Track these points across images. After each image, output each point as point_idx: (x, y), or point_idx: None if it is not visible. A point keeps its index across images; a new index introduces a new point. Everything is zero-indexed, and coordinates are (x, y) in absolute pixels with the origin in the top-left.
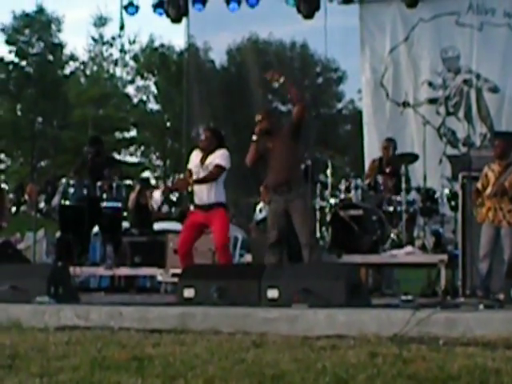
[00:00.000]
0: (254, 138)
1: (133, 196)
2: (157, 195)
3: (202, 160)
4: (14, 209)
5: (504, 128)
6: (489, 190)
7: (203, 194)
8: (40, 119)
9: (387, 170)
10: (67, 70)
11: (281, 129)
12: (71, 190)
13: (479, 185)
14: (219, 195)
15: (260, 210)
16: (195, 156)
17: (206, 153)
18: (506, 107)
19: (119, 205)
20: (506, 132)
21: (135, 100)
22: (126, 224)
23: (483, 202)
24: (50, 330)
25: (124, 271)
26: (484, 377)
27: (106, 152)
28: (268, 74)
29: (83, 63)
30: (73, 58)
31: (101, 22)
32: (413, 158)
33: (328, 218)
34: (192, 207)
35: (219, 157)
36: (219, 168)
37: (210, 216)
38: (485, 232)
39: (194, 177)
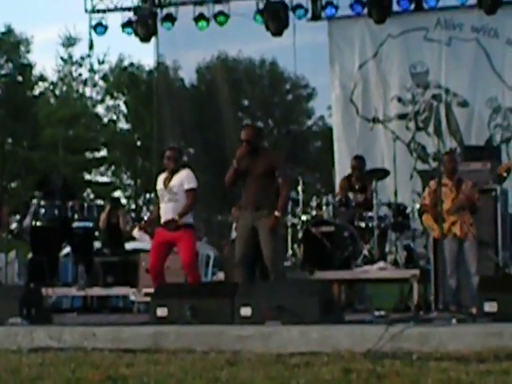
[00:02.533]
0: (235, 164)
1: (103, 216)
2: (136, 233)
3: (166, 182)
4: None
5: (474, 142)
6: (448, 206)
7: (169, 215)
8: (10, 140)
9: (357, 187)
10: (36, 91)
11: (262, 152)
12: (42, 211)
13: (427, 200)
14: (186, 217)
15: (236, 229)
16: (160, 180)
17: (170, 174)
18: (475, 121)
19: (90, 225)
20: (476, 146)
21: (105, 119)
22: (97, 244)
23: (443, 218)
24: (23, 351)
25: (96, 291)
26: None
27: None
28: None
29: (52, 83)
30: (42, 78)
31: (69, 42)
32: (383, 173)
33: (300, 234)
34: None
35: (187, 180)
36: (193, 191)
37: (177, 235)
38: (449, 247)
39: (162, 203)
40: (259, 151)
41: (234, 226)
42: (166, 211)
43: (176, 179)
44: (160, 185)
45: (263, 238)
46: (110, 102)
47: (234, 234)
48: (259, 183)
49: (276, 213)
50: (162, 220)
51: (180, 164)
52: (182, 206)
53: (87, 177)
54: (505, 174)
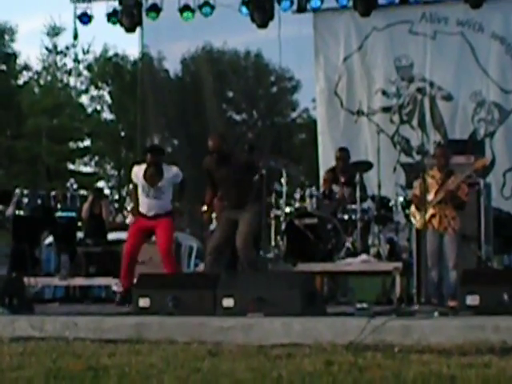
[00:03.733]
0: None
1: (86, 206)
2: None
3: (152, 179)
4: None
5: (457, 136)
6: (431, 197)
7: (150, 205)
8: None
9: (342, 179)
10: (21, 80)
11: (232, 157)
12: (25, 200)
13: (417, 191)
14: (166, 205)
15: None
16: (138, 170)
17: (156, 171)
18: (459, 115)
19: (73, 214)
20: (460, 140)
21: (89, 110)
22: (80, 234)
23: (425, 209)
24: (5, 341)
25: (79, 281)
26: (439, 383)
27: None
28: None
29: (37, 73)
30: (26, 67)
31: (54, 31)
32: (367, 166)
33: (283, 226)
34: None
35: (175, 175)
36: (183, 183)
37: (156, 223)
38: (429, 240)
39: (144, 195)
40: (228, 157)
41: (215, 216)
42: (150, 207)
43: (165, 179)
44: (141, 179)
45: (240, 228)
46: (94, 92)
47: (214, 226)
48: (239, 186)
49: None
50: (143, 211)
51: (162, 162)
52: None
53: (71, 167)
54: (479, 170)
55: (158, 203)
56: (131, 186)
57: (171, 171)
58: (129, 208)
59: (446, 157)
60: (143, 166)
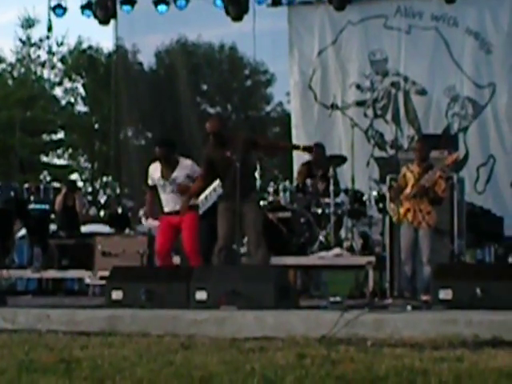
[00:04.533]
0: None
1: (59, 198)
2: (147, 223)
3: (165, 174)
4: None
5: (431, 130)
6: (408, 191)
7: (169, 200)
8: None
9: (318, 174)
10: None
11: (231, 141)
12: None
13: (396, 185)
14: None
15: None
16: (154, 170)
17: (168, 165)
18: (433, 110)
19: (47, 207)
20: (433, 134)
21: (63, 102)
22: (53, 226)
23: (401, 203)
24: None
25: (52, 274)
26: (411, 377)
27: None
28: None
29: (10, 65)
30: (0, 59)
31: (28, 23)
32: (341, 160)
33: None
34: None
35: (195, 169)
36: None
37: (180, 220)
38: (404, 234)
39: (162, 192)
40: (227, 140)
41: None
42: (169, 201)
43: (179, 171)
44: (158, 176)
45: (248, 221)
46: (68, 84)
47: None
48: (242, 167)
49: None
50: (166, 209)
51: (174, 155)
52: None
53: (44, 159)
54: (451, 166)
55: (175, 198)
56: (144, 188)
57: (184, 163)
58: (141, 212)
59: (424, 150)
60: (157, 164)
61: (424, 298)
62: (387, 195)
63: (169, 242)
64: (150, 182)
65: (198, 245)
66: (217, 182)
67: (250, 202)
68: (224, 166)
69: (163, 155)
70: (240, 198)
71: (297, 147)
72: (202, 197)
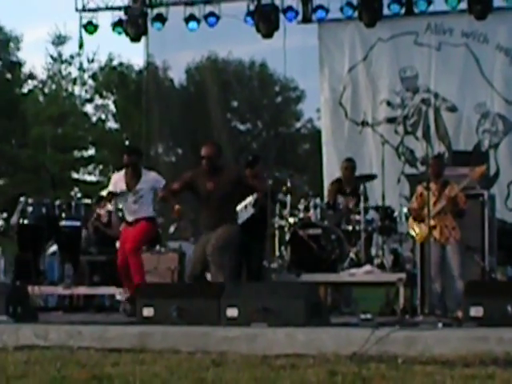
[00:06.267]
0: (186, 178)
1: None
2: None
3: (130, 185)
4: None
5: (462, 147)
6: (432, 208)
7: (129, 210)
8: None
9: (347, 190)
10: (25, 89)
11: (222, 171)
12: (30, 209)
13: (414, 204)
14: (146, 210)
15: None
16: (118, 179)
17: (133, 176)
18: (463, 126)
19: (78, 223)
20: (464, 151)
21: (94, 119)
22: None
23: (424, 222)
24: (9, 349)
25: (82, 290)
26: None
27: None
28: None
29: (42, 82)
30: (31, 76)
31: (59, 40)
32: (371, 177)
33: (287, 237)
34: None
35: (158, 180)
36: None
37: (136, 227)
38: (432, 252)
39: (123, 201)
40: (219, 170)
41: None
42: (130, 212)
43: (144, 183)
44: (122, 185)
45: (212, 237)
46: (98, 101)
47: None
48: (221, 203)
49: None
50: (127, 220)
51: (140, 166)
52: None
53: (75, 175)
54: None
55: (136, 208)
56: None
57: (150, 175)
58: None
59: (439, 167)
60: (122, 173)
61: (459, 313)
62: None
63: (126, 256)
64: (111, 188)
65: (139, 249)
66: (249, 199)
67: (220, 228)
68: (204, 196)
69: (132, 163)
70: (212, 229)
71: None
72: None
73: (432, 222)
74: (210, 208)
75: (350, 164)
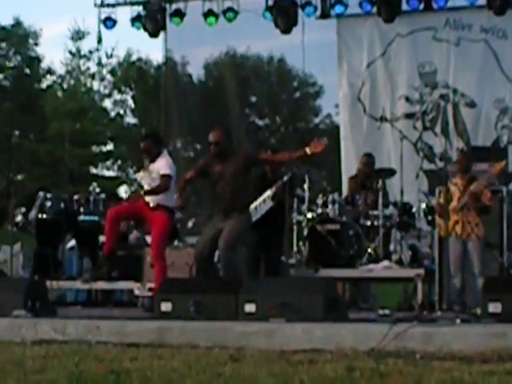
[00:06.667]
0: (201, 163)
1: None
2: None
3: (145, 167)
4: None
5: (480, 143)
6: (454, 204)
7: (154, 199)
8: (17, 133)
9: (366, 185)
10: (44, 84)
11: (232, 154)
12: (48, 204)
13: (442, 200)
14: (164, 199)
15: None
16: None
17: (149, 159)
18: (482, 122)
19: (96, 218)
20: (483, 147)
21: (112, 114)
22: (102, 238)
23: (448, 216)
24: (27, 343)
25: (101, 285)
26: None
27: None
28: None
29: (60, 77)
30: (50, 71)
31: (78, 35)
32: (390, 172)
33: (305, 232)
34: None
35: (162, 166)
36: (166, 177)
37: (152, 216)
38: (453, 247)
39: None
40: (229, 154)
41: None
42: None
43: (155, 165)
44: (141, 172)
45: (224, 231)
46: (117, 96)
47: None
48: (232, 187)
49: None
50: (146, 199)
51: (156, 151)
52: (170, 190)
53: (93, 171)
54: (498, 175)
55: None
56: None
57: (162, 160)
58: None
59: (467, 162)
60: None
61: (478, 310)
62: (436, 208)
63: (125, 212)
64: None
65: (163, 247)
66: (268, 193)
67: (231, 219)
68: (215, 180)
69: (144, 148)
70: (224, 214)
71: (303, 156)
72: (253, 206)
73: (455, 217)
74: (221, 191)
75: (369, 159)
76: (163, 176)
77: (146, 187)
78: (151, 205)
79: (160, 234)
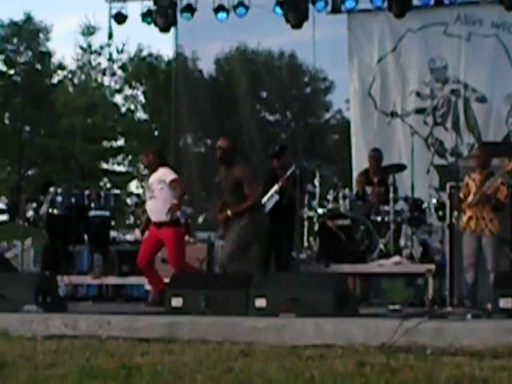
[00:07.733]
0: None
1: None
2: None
3: (146, 181)
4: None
5: (491, 138)
6: (470, 199)
7: (156, 211)
8: (28, 128)
9: (375, 180)
10: (55, 79)
11: (235, 166)
12: (59, 199)
13: (461, 194)
14: (161, 209)
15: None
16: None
17: (150, 173)
18: (493, 117)
19: (107, 213)
20: (494, 142)
21: (123, 109)
22: (113, 233)
23: (464, 211)
24: (38, 338)
25: (112, 280)
26: None
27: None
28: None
29: (71, 72)
30: (61, 66)
31: (89, 31)
32: (400, 167)
33: (316, 227)
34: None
35: (167, 174)
36: (176, 181)
37: (162, 235)
38: (467, 242)
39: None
40: (232, 163)
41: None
42: (154, 206)
43: (155, 176)
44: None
45: (224, 244)
46: (128, 91)
47: None
48: (232, 194)
49: (228, 211)
50: (151, 216)
51: (157, 164)
52: (171, 200)
53: (104, 166)
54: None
55: (152, 204)
56: None
57: (160, 171)
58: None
59: (486, 157)
60: None
61: (489, 306)
62: (447, 203)
63: (149, 254)
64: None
65: (181, 260)
66: (274, 188)
67: (232, 229)
68: (221, 182)
69: (146, 165)
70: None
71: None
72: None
73: (469, 213)
74: (226, 193)
75: (375, 154)
76: (173, 181)
77: (148, 202)
78: (153, 219)
79: (173, 252)
